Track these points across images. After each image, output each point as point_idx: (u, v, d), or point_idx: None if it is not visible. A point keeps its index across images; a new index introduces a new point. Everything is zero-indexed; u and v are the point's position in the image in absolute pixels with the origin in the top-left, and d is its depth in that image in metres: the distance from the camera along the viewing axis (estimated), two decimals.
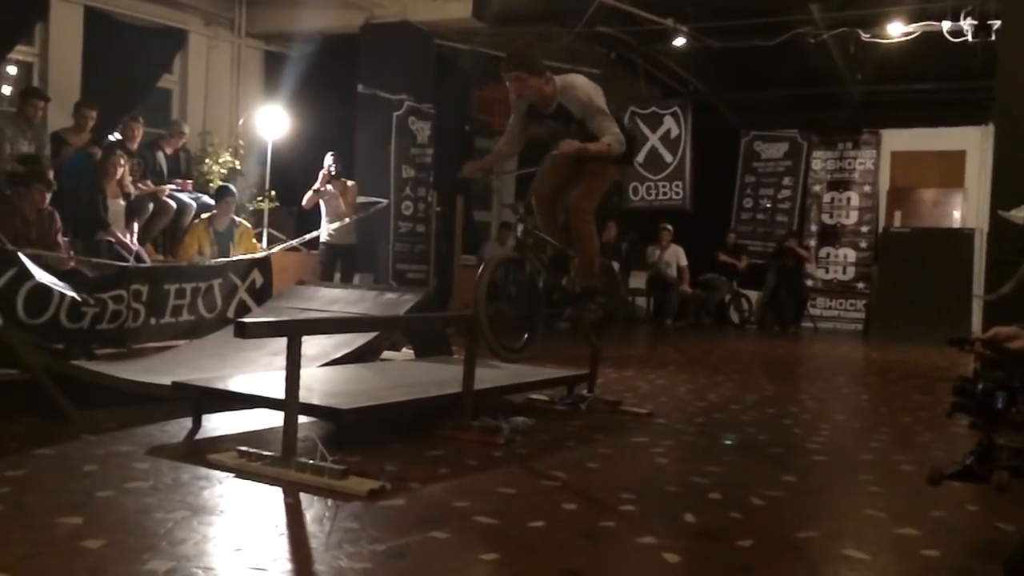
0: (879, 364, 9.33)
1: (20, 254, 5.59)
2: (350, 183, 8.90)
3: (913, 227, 12.89)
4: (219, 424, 4.38)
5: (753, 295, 13.09)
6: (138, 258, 7.43)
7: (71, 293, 5.75)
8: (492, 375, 5.10)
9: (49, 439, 3.88)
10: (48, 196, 6.68)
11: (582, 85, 4.58)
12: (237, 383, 4.45)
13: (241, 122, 9.85)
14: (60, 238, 6.76)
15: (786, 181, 13.82)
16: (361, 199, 9.04)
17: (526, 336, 4.65)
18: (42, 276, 5.63)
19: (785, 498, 3.55)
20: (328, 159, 8.79)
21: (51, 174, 6.98)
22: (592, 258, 4.72)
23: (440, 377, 5.02)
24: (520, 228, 4.65)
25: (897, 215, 13.20)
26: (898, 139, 13.39)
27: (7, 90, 8.69)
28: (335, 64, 9.75)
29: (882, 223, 13.29)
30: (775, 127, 13.83)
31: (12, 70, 8.68)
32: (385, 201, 9.23)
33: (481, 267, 4.38)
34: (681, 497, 3.55)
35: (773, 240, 13.54)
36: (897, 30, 9.83)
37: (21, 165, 7.30)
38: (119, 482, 3.27)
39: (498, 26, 9.65)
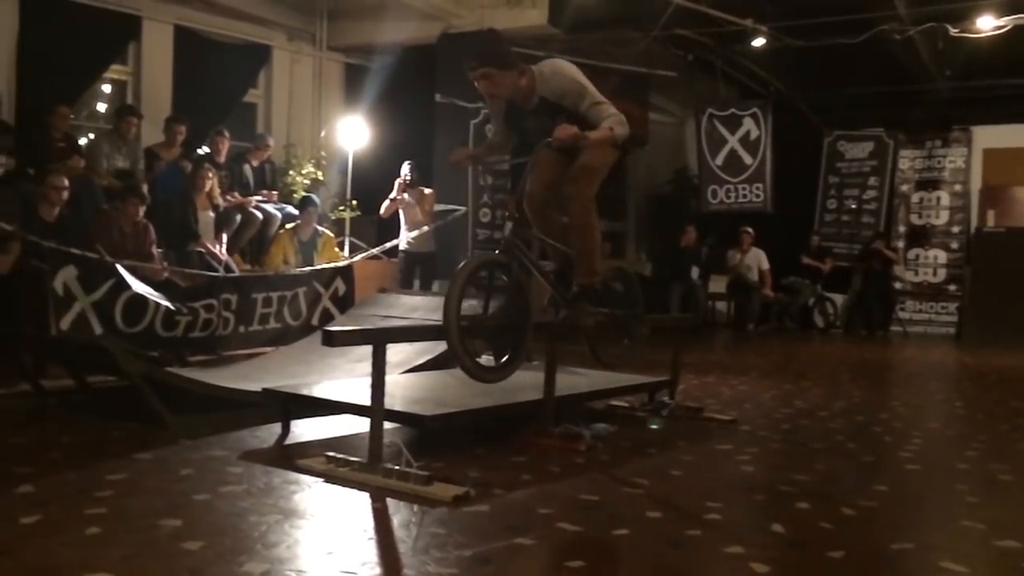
0: (973, 369, 9.00)
1: (118, 266, 5.85)
2: (427, 191, 9.01)
3: (1008, 227, 12.38)
4: (306, 429, 4.48)
5: (838, 298, 12.76)
6: (227, 268, 7.67)
7: (165, 303, 5.98)
8: (573, 381, 5.10)
9: (148, 443, 4.03)
10: (142, 209, 6.95)
11: (564, 69, 3.96)
12: (323, 390, 4.55)
13: (323, 134, 10.08)
14: (154, 250, 7.03)
15: (872, 181, 13.45)
16: (439, 207, 9.15)
17: (509, 353, 3.99)
18: (138, 287, 5.88)
19: (878, 508, 3.46)
20: (405, 168, 8.92)
21: (145, 188, 7.26)
22: (591, 252, 4.06)
23: (520, 383, 5.02)
24: (509, 227, 3.95)
25: (990, 214, 12.70)
26: (990, 136, 12.89)
27: (103, 108, 9.08)
28: (413, 74, 9.90)
29: (974, 223, 12.81)
30: (859, 126, 13.47)
31: (107, 89, 9.06)
32: (463, 208, 9.32)
33: (457, 269, 3.76)
34: (768, 506, 3.49)
35: (859, 242, 13.18)
36: (987, 24, 9.48)
37: (117, 180, 7.62)
38: (214, 485, 3.38)
39: (573, 32, 9.65)
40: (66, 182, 6.63)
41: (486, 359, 4.02)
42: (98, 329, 5.54)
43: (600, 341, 4.36)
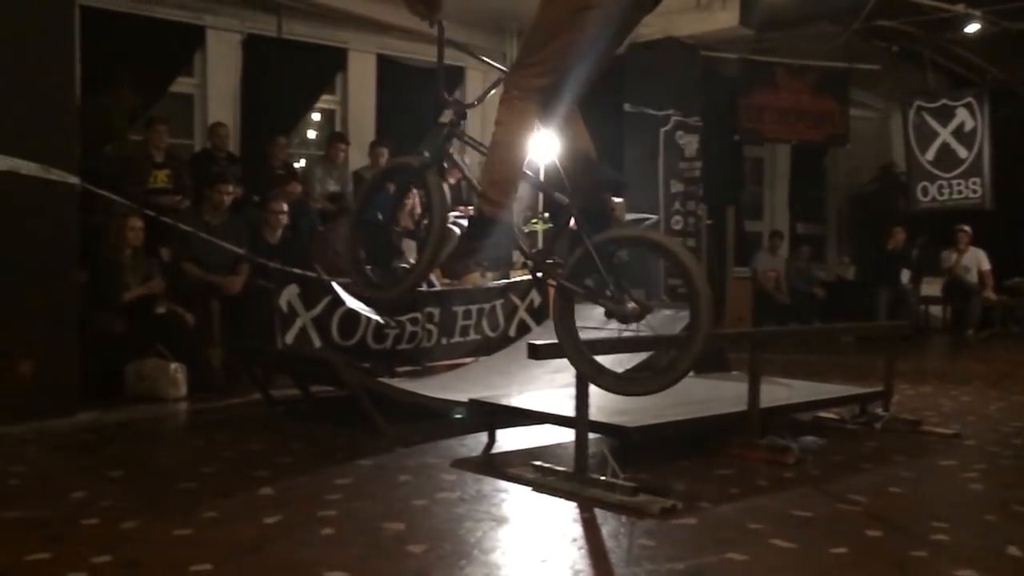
0: None
1: (334, 283, 6.27)
2: (618, 200, 9.02)
3: None
4: (510, 438, 4.61)
5: None
6: (429, 283, 8.01)
7: (376, 317, 6.34)
8: (777, 392, 4.95)
9: (367, 451, 4.29)
10: None
11: None
12: (526, 400, 4.67)
13: None
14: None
15: None
16: (631, 216, 9.13)
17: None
18: (352, 302, 6.27)
19: None
20: None
21: None
22: (500, 163, 2.88)
23: (721, 394, 4.94)
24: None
25: None
26: None
27: (312, 135, 9.76)
28: (602, 85, 9.96)
29: None
30: None
31: (317, 117, 9.73)
32: (655, 217, 9.25)
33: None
34: (1002, 527, 3.24)
35: None
36: None
37: (330, 203, 8.16)
38: (431, 492, 3.56)
39: (766, 31, 9.38)
40: (286, 207, 7.18)
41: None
42: (317, 342, 5.96)
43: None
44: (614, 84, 9.70)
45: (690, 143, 9.59)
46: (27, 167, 4.87)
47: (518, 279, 7.73)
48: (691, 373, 6.35)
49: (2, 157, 4.92)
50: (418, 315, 6.73)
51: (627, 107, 9.45)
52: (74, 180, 5.17)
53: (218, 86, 8.37)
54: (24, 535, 2.94)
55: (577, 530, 3.15)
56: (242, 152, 8.22)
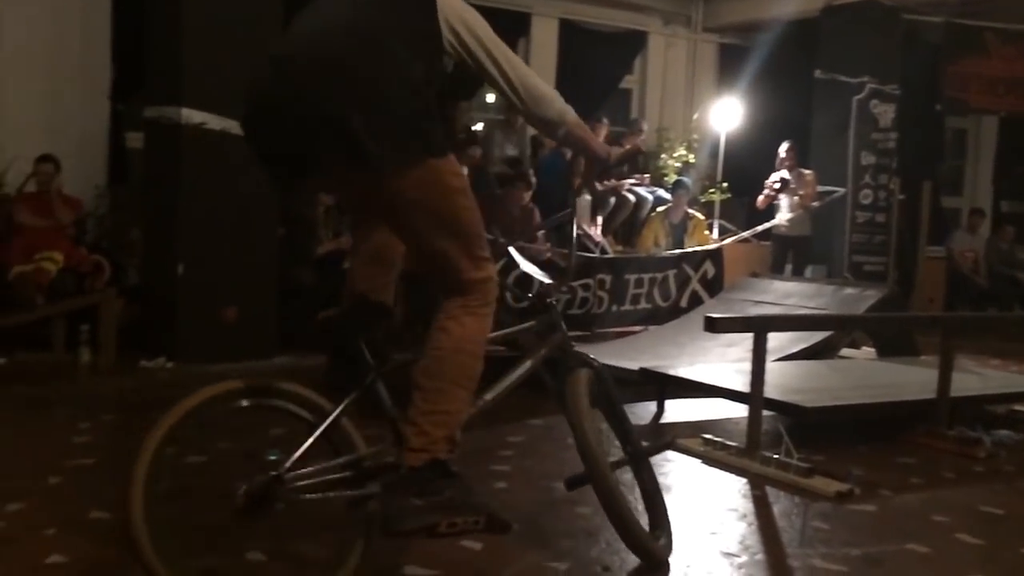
0: None
1: (509, 247, 6.40)
2: (807, 173, 8.66)
3: None
4: (679, 410, 4.59)
5: None
6: (602, 249, 8.03)
7: (548, 281, 6.43)
8: (969, 382, 4.67)
9: (538, 411, 4.38)
10: (528, 195, 7.51)
11: None
12: (699, 372, 4.62)
13: (695, 116, 10.12)
14: (537, 231, 7.57)
15: None
16: (820, 189, 8.75)
17: None
18: (525, 266, 6.37)
19: None
20: (783, 148, 8.65)
21: (531, 173, 7.83)
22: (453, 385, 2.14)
23: (907, 380, 4.71)
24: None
25: None
26: None
27: (491, 99, 9.93)
28: (791, 51, 9.54)
29: None
30: None
31: None
32: (842, 190, 8.83)
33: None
34: None
35: None
36: None
37: (508, 167, 8.31)
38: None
39: None
40: (465, 170, 7.36)
41: None
42: None
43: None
44: (805, 49, 9.28)
45: (885, 112, 9.04)
46: (238, 128, 5.25)
47: (693, 249, 7.61)
48: (875, 355, 6.10)
49: (217, 117, 5.33)
50: (590, 281, 6.77)
51: (818, 73, 9.01)
52: None
53: None
54: (230, 463, 3.23)
55: (747, 506, 3.12)
56: None
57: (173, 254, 5.47)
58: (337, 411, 2.08)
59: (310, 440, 2.03)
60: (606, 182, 8.66)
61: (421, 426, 2.02)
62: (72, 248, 5.78)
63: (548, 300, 2.69)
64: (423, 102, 2.00)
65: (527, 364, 2.50)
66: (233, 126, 5.22)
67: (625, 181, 8.83)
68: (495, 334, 2.36)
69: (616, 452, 2.63)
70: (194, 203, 5.41)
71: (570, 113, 2.30)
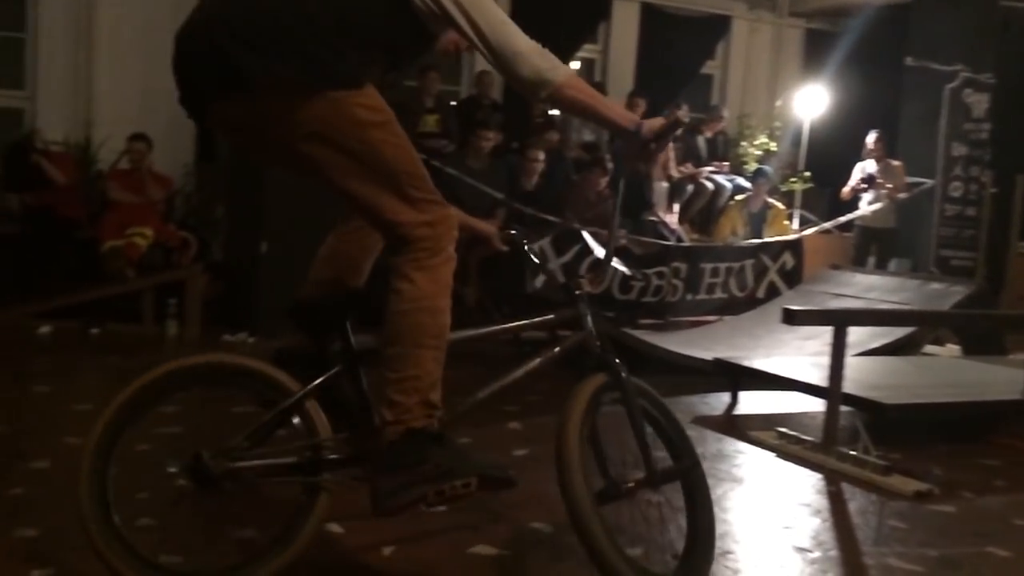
0: None
1: (584, 232, 6.40)
2: (895, 163, 8.40)
3: None
4: (752, 401, 4.53)
5: None
6: (678, 237, 7.94)
7: (622, 268, 6.41)
8: None
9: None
10: (604, 180, 7.48)
11: None
12: (775, 365, 4.55)
13: (779, 103, 9.90)
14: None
15: None
16: (908, 180, 8.48)
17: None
18: (600, 251, 6.37)
19: None
20: (870, 138, 8.40)
21: (608, 159, 7.78)
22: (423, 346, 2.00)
23: (992, 379, 4.56)
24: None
25: None
26: None
27: None
28: (881, 37, 9.24)
29: None
30: None
31: (576, 66, 9.83)
32: (931, 182, 8.54)
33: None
34: None
35: None
36: None
37: (585, 152, 8.28)
38: None
39: None
40: (542, 155, 7.36)
41: None
42: None
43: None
44: (895, 36, 8.99)
45: (979, 102, 8.70)
46: None
47: (772, 239, 7.49)
48: (960, 353, 5.91)
49: None
50: (665, 269, 6.72)
51: (908, 61, 8.72)
52: None
53: None
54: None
55: (821, 502, 3.07)
56: (505, 99, 8.49)
57: (257, 232, 5.61)
58: (300, 394, 1.99)
59: (263, 421, 1.97)
60: (682, 168, 8.56)
61: (391, 397, 1.91)
62: (161, 224, 5.98)
63: (576, 292, 2.35)
64: (335, 30, 1.82)
65: (533, 362, 2.32)
66: None
67: (704, 169, 8.72)
68: (529, 322, 2.37)
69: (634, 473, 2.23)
70: (278, 183, 5.55)
71: (556, 71, 1.96)
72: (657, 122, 2.10)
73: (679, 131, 2.04)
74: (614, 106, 2.14)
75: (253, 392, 2.05)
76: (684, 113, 2.28)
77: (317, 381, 2.02)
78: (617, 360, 2.27)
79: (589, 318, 2.33)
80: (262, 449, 1.97)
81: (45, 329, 5.26)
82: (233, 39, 1.81)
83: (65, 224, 5.87)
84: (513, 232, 2.36)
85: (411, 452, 1.89)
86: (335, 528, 2.49)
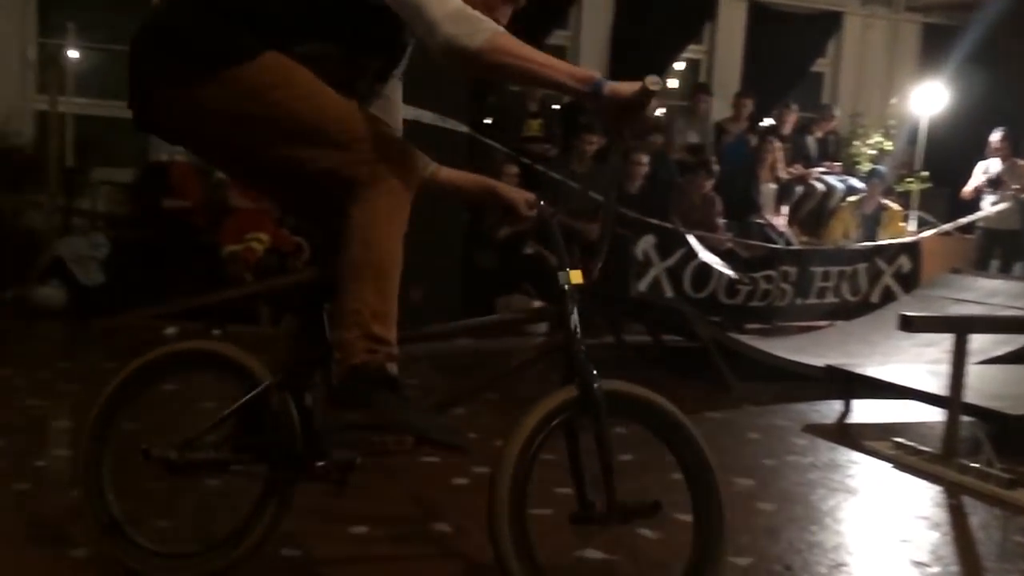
0: None
1: (689, 235, 6.33)
2: (1021, 163, 7.99)
3: None
4: (866, 410, 4.39)
5: None
6: (786, 240, 7.77)
7: (728, 271, 6.32)
8: None
9: (715, 405, 4.34)
10: (710, 183, 7.38)
11: None
12: (891, 373, 4.40)
13: (894, 101, 9.55)
14: (719, 220, 7.42)
15: None
16: None
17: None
18: (705, 255, 6.29)
19: None
20: (995, 137, 8.02)
21: (713, 161, 7.67)
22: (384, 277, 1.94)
23: None
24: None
25: None
26: None
27: (674, 85, 9.76)
28: (1005, 32, 8.81)
29: None
30: None
31: (681, 66, 9.72)
32: None
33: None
34: None
35: None
36: None
37: (690, 155, 8.18)
38: (781, 454, 3.53)
39: None
40: (646, 158, 7.32)
41: None
42: (669, 292, 6.08)
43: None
44: (1021, 30, 8.56)
45: None
46: (427, 116, 5.47)
47: (887, 242, 7.24)
48: None
49: (407, 107, 5.57)
50: (773, 273, 6.59)
51: None
52: (464, 128, 5.71)
53: (593, 32, 8.64)
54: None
55: (941, 515, 2.96)
56: None
57: None
58: (265, 384, 1.97)
59: (231, 410, 1.98)
60: (791, 170, 8.34)
61: (336, 335, 1.81)
62: (276, 229, 6.22)
63: (564, 286, 2.01)
64: (221, 10, 1.78)
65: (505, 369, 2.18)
66: (423, 115, 5.45)
67: (814, 170, 8.50)
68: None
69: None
70: None
71: (473, 36, 1.69)
72: (625, 86, 1.77)
73: (650, 101, 1.75)
74: (560, 65, 1.79)
75: (229, 379, 2.06)
76: (652, 80, 1.93)
77: (283, 372, 1.98)
78: (595, 372, 1.93)
79: (575, 316, 1.98)
80: (214, 438, 1.98)
81: (171, 330, 5.53)
82: (144, 45, 1.84)
83: (194, 231, 6.22)
84: (542, 202, 2.18)
85: (356, 395, 1.78)
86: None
